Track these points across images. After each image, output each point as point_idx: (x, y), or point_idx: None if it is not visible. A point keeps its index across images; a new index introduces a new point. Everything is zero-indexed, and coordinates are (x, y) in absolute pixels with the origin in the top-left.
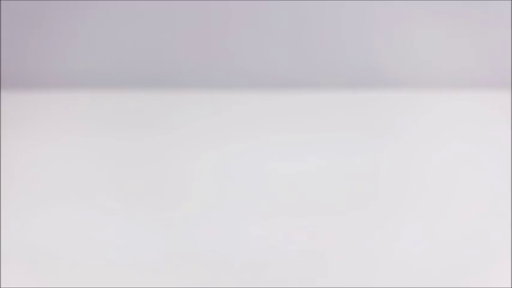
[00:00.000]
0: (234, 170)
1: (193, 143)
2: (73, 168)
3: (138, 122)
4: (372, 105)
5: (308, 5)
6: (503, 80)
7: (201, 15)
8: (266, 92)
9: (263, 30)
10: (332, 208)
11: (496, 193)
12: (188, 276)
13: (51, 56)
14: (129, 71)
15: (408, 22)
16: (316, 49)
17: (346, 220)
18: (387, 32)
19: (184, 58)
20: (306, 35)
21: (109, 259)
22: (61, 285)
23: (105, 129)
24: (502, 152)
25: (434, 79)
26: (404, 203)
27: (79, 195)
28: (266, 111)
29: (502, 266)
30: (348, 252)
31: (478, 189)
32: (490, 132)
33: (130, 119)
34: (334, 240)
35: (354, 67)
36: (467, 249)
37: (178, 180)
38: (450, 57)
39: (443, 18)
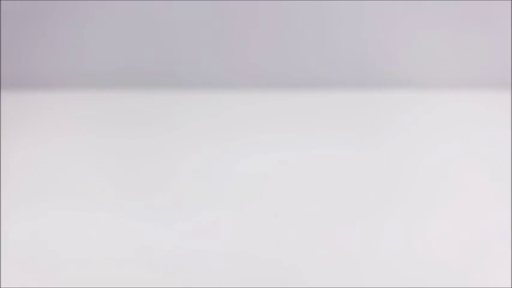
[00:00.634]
0: (234, 169)
1: (193, 143)
2: (73, 167)
3: (138, 121)
4: (372, 105)
5: (308, 5)
6: (503, 80)
7: (202, 15)
8: (266, 92)
9: (263, 30)
10: (332, 207)
11: (496, 193)
12: (189, 276)
13: (51, 56)
14: (129, 71)
15: (408, 22)
16: (316, 49)
17: (345, 220)
18: (387, 33)
19: (185, 58)
20: (306, 36)
21: (109, 258)
22: (61, 285)
23: (105, 129)
24: (502, 151)
25: (434, 79)
26: (404, 202)
27: (79, 194)
28: (266, 111)
29: (502, 266)
30: (347, 253)
31: (478, 188)
32: (490, 132)
33: (130, 118)
34: (334, 240)
35: (354, 67)
36: (467, 249)
37: (179, 180)
38: (450, 57)
39: (443, 19)
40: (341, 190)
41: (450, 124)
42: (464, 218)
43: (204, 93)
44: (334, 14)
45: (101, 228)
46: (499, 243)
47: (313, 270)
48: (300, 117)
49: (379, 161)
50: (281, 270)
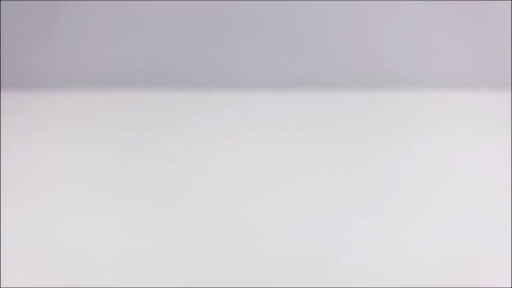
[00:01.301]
0: (234, 169)
1: (193, 143)
2: (73, 167)
3: (138, 121)
4: (372, 105)
5: (308, 5)
6: (503, 80)
7: (202, 16)
8: (266, 92)
9: (264, 31)
10: (332, 207)
11: (496, 192)
12: (190, 276)
13: (51, 56)
14: (129, 71)
15: (408, 23)
16: (316, 49)
17: (345, 219)
18: (387, 33)
19: (185, 58)
20: (306, 36)
21: (109, 257)
22: (61, 285)
23: (105, 129)
24: (502, 151)
25: (434, 79)
26: (404, 202)
27: (79, 193)
28: (266, 111)
29: (502, 266)
30: (347, 252)
31: (479, 188)
32: (490, 132)
33: (130, 118)
34: (335, 240)
35: (354, 67)
36: (468, 249)
37: (178, 179)
38: (450, 57)
39: (443, 19)
40: (341, 190)
41: (450, 124)
42: (465, 218)
43: (204, 93)
44: (335, 15)
45: (101, 227)
46: (499, 243)
47: (312, 270)
48: (300, 117)
49: (379, 160)
50: (281, 269)
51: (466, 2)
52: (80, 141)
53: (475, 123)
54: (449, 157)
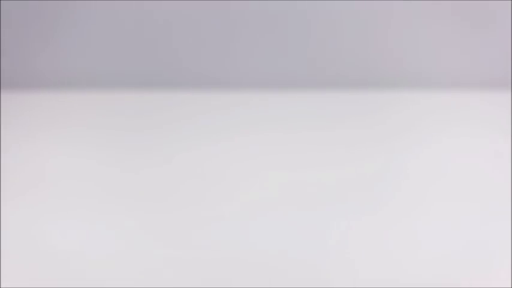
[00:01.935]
0: (234, 169)
1: (193, 143)
2: (73, 167)
3: (138, 121)
4: (372, 105)
5: (308, 5)
6: (503, 80)
7: (202, 16)
8: (266, 92)
9: (264, 31)
10: (332, 206)
11: (496, 193)
12: (188, 273)
13: (51, 56)
14: (129, 71)
15: (408, 23)
16: (317, 50)
17: (345, 219)
18: (387, 33)
19: (185, 59)
20: (306, 36)
21: (109, 257)
22: (62, 285)
23: (105, 129)
24: (502, 151)
25: (434, 79)
26: (403, 202)
27: (79, 194)
28: (266, 111)
29: (502, 266)
30: (346, 252)
31: (479, 188)
32: (490, 132)
33: (130, 118)
34: (334, 240)
35: (354, 67)
36: (468, 250)
37: (178, 180)
38: (450, 57)
39: (443, 19)
40: (341, 189)
41: (450, 124)
42: (465, 218)
43: (204, 93)
44: (335, 14)
45: (101, 227)
46: (499, 243)
47: (312, 270)
48: (300, 117)
49: (379, 160)
50: (280, 269)
51: (465, 2)
52: (80, 141)
53: (475, 124)
54: (448, 157)
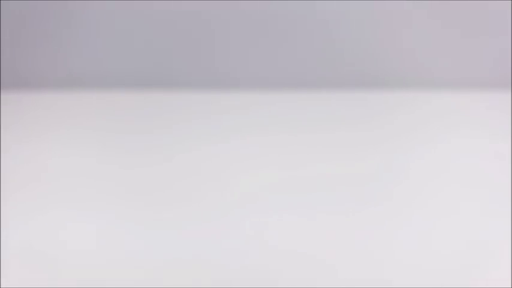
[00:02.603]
0: (234, 169)
1: (192, 143)
2: (73, 167)
3: (138, 121)
4: (372, 105)
5: (308, 5)
6: (503, 80)
7: (202, 17)
8: (266, 92)
9: (263, 31)
10: (331, 206)
11: (496, 193)
12: (189, 272)
13: (51, 56)
14: (129, 71)
15: (408, 23)
16: (317, 50)
17: (344, 219)
18: (387, 33)
19: (185, 59)
20: (306, 37)
21: (109, 257)
22: (62, 285)
23: (105, 129)
24: (502, 151)
25: (434, 79)
26: (403, 203)
27: (79, 194)
28: (266, 112)
29: (502, 266)
30: (346, 252)
31: (478, 189)
32: (490, 132)
33: (129, 118)
34: (334, 239)
35: (354, 67)
36: (467, 250)
37: (178, 179)
38: (450, 57)
39: (443, 19)
40: (340, 190)
41: (450, 124)
42: (464, 218)
43: (204, 93)
44: (335, 15)
45: (101, 227)
46: (499, 244)
47: (312, 269)
48: (300, 117)
49: (379, 160)
50: (281, 269)
51: (466, 2)
52: (80, 140)
53: (475, 124)
54: (448, 157)
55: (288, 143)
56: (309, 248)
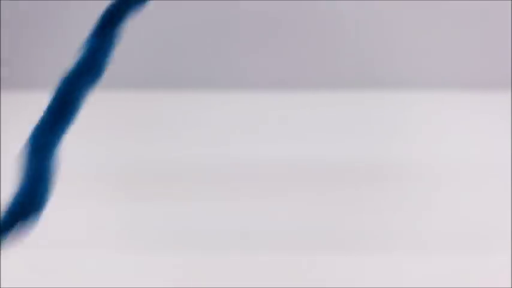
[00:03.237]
0: (234, 169)
1: (193, 143)
2: (72, 167)
3: (138, 121)
4: (372, 105)
5: (308, 5)
6: (503, 80)
7: (202, 16)
8: (266, 92)
9: (263, 31)
10: (332, 207)
11: (496, 194)
12: (191, 276)
13: (51, 56)
14: (129, 71)
15: (408, 22)
16: (316, 50)
17: (344, 219)
18: (387, 32)
19: (185, 59)
20: (306, 36)
21: (109, 257)
22: (63, 285)
23: (105, 129)
24: (502, 152)
25: (434, 79)
26: (403, 203)
27: (79, 194)
28: (266, 112)
29: (502, 266)
30: (346, 251)
31: (478, 189)
32: (490, 132)
33: (130, 118)
34: (332, 240)
35: (354, 67)
36: (467, 250)
37: (178, 180)
38: (450, 57)
39: (443, 19)
40: (340, 190)
41: (450, 124)
42: (464, 219)
43: (204, 94)
44: (334, 14)
45: (101, 227)
46: (499, 244)
47: (312, 269)
48: (300, 117)
49: (379, 160)
50: (280, 270)
51: (465, 2)
52: (80, 141)
53: (475, 124)
54: (448, 157)
55: (288, 143)
56: (308, 246)
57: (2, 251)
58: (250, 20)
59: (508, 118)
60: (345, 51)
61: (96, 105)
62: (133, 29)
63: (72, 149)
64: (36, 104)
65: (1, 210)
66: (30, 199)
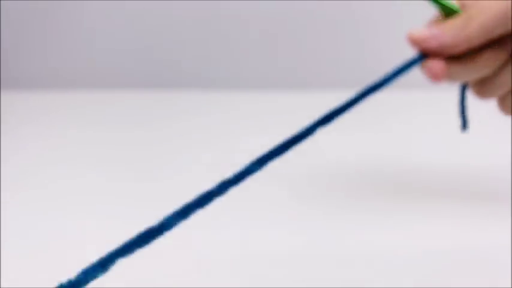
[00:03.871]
0: (234, 169)
1: (192, 143)
2: (72, 167)
3: (138, 121)
4: (371, 105)
5: (308, 5)
6: None
7: (202, 16)
8: (266, 92)
9: (263, 32)
10: (330, 206)
11: (496, 193)
12: (188, 273)
13: (51, 56)
14: (129, 71)
15: (408, 22)
16: (316, 50)
17: (343, 219)
18: (387, 32)
19: (185, 59)
20: (305, 36)
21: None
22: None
23: (105, 129)
24: (502, 152)
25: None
26: (403, 203)
27: (79, 194)
28: (266, 111)
29: (502, 266)
30: (346, 251)
31: (478, 189)
32: (490, 132)
33: (130, 118)
34: (332, 239)
35: (354, 67)
36: (468, 249)
37: (178, 180)
38: None
39: None
40: (340, 190)
41: (450, 124)
42: (464, 219)
43: (204, 93)
44: (333, 14)
45: (101, 227)
46: (499, 244)
47: (312, 269)
48: (300, 117)
49: (379, 160)
50: (281, 270)
51: None
52: (80, 141)
53: (475, 124)
54: (448, 157)
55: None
56: (308, 246)
57: (1, 251)
58: (251, 22)
59: (508, 118)
60: (345, 52)
61: (97, 105)
62: (134, 29)
63: (72, 148)
64: (36, 104)
65: (1, 208)
66: None
